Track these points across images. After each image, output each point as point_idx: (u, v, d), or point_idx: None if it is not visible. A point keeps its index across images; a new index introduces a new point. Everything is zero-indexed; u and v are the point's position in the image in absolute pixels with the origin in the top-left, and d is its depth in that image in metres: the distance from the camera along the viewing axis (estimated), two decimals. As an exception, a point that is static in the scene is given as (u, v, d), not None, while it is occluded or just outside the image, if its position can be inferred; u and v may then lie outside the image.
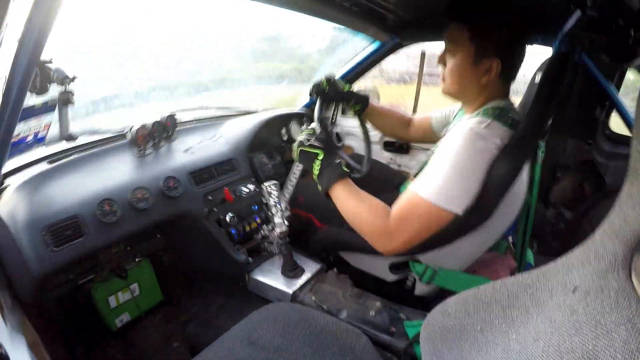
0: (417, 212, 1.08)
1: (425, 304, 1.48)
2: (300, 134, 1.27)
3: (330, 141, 1.27)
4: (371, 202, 1.17)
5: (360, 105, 1.66)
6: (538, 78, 1.20)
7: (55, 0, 0.74)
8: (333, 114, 1.63)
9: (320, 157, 1.21)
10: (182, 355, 1.62)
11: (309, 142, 1.23)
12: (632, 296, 0.43)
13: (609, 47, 1.44)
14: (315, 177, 1.23)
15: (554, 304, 0.52)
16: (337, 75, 2.37)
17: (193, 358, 0.97)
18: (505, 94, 1.23)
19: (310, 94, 1.53)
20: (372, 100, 1.77)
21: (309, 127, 1.28)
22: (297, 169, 1.63)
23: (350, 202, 1.17)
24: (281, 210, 1.55)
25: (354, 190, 1.19)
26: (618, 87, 1.86)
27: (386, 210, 1.14)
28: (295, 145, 1.27)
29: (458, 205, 1.06)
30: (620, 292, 0.44)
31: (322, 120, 1.35)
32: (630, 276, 0.44)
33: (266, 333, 1.01)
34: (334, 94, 1.55)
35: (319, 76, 1.57)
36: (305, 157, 1.24)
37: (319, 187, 1.22)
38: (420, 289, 1.43)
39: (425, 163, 1.31)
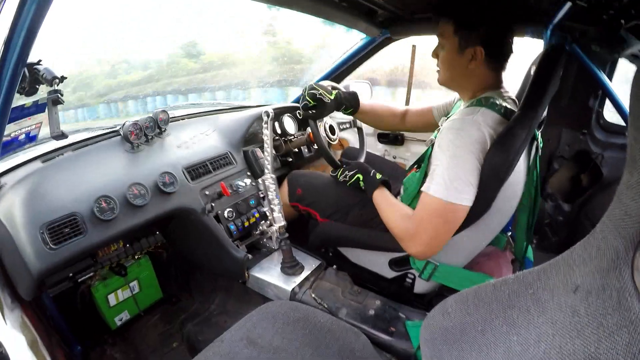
0: (431, 212, 1.16)
1: (425, 302, 1.49)
2: (337, 177, 1.50)
3: (358, 164, 1.47)
4: (398, 208, 1.31)
5: (351, 109, 1.63)
6: (533, 71, 1.23)
7: (43, 1, 0.73)
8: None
9: (361, 178, 1.43)
10: (181, 355, 1.62)
11: (349, 176, 1.45)
12: (635, 297, 0.42)
13: (600, 37, 1.44)
14: (366, 193, 1.42)
15: (555, 304, 0.52)
16: (328, 69, 2.36)
17: (193, 359, 0.97)
18: (496, 84, 1.29)
19: (306, 122, 1.58)
20: (365, 95, 1.76)
21: (337, 171, 1.50)
22: (267, 143, 1.58)
23: (384, 207, 1.34)
24: (280, 204, 1.54)
25: (387, 197, 1.36)
26: (610, 77, 1.85)
27: (409, 214, 1.24)
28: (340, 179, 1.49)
29: (466, 197, 1.12)
30: (622, 293, 0.43)
31: (341, 161, 1.51)
32: (633, 275, 0.44)
33: (265, 332, 1.02)
34: (324, 110, 1.50)
35: (304, 92, 1.49)
36: (354, 185, 1.46)
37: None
38: (420, 286, 1.44)
39: (425, 154, 1.37)
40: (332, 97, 1.51)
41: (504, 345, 0.56)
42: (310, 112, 1.48)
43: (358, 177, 1.42)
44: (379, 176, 1.41)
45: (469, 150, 1.11)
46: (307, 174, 1.79)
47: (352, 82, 2.19)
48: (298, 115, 2.20)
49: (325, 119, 1.57)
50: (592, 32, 1.44)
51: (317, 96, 1.47)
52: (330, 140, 1.58)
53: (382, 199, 1.36)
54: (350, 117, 1.79)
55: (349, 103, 1.60)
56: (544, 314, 0.53)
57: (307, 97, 1.47)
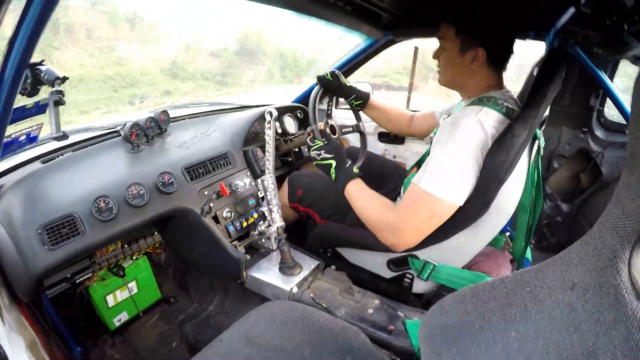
0: (420, 205, 1.14)
1: (424, 302, 1.49)
2: (312, 151, 1.40)
3: (338, 149, 1.38)
4: (378, 199, 1.29)
5: (361, 101, 1.70)
6: (536, 72, 1.23)
7: (46, 2, 0.73)
8: (329, 107, 1.63)
9: (334, 165, 1.35)
10: (180, 355, 1.62)
11: (321, 157, 1.37)
12: (632, 293, 0.42)
13: (603, 41, 1.45)
14: (334, 182, 1.36)
15: (552, 301, 0.52)
16: (331, 68, 2.37)
17: (192, 358, 0.97)
18: (498, 84, 1.29)
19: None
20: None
21: (316, 142, 1.39)
22: (269, 144, 1.57)
23: (361, 199, 1.31)
24: (279, 205, 1.54)
25: (364, 188, 1.32)
26: (611, 77, 1.86)
27: (392, 206, 1.24)
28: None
29: (459, 196, 1.12)
30: (619, 289, 0.44)
31: (325, 133, 1.43)
32: (630, 272, 0.44)
33: (264, 332, 1.01)
34: (337, 87, 1.62)
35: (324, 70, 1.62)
36: (322, 169, 1.39)
37: (340, 190, 1.36)
38: (418, 286, 1.44)
39: (425, 153, 1.38)
40: (348, 84, 1.64)
41: (502, 342, 0.56)
42: (323, 80, 1.59)
43: (330, 164, 1.35)
44: (356, 170, 1.37)
45: (468, 149, 1.11)
46: (307, 174, 1.79)
47: (353, 83, 2.20)
48: (298, 115, 2.21)
49: (327, 120, 1.58)
50: (594, 36, 1.45)
51: (336, 73, 1.62)
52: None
53: (359, 189, 1.32)
54: (353, 122, 1.79)
55: (360, 95, 1.70)
56: (541, 311, 0.53)
57: (327, 72, 1.62)
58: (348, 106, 1.77)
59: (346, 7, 1.64)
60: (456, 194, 1.12)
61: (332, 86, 1.61)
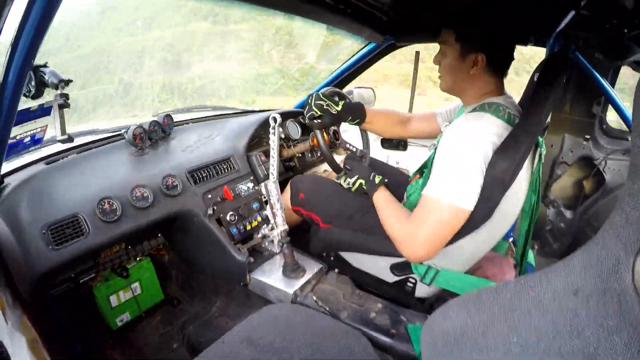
0: (432, 214, 1.15)
1: (426, 306, 1.48)
2: (343, 184, 1.47)
3: (360, 168, 1.46)
4: (396, 209, 1.33)
5: (358, 119, 1.62)
6: (537, 77, 1.24)
7: (49, 4, 0.74)
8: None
9: (364, 182, 1.42)
10: (181, 357, 1.62)
11: (352, 182, 1.44)
12: (635, 300, 0.43)
13: (603, 45, 1.45)
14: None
15: (556, 307, 0.52)
16: (331, 75, 2.38)
17: (193, 359, 0.97)
18: (500, 90, 1.29)
19: (310, 128, 1.51)
20: (369, 101, 1.76)
21: (342, 175, 1.47)
22: (273, 149, 1.57)
23: (383, 209, 1.35)
24: (282, 208, 1.55)
25: (387, 198, 1.37)
26: (613, 84, 1.86)
27: (407, 216, 1.24)
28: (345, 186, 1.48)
29: (468, 201, 1.12)
30: (622, 296, 0.44)
31: (351, 160, 1.51)
32: (633, 279, 0.44)
33: (266, 334, 1.01)
34: (330, 121, 1.49)
35: (311, 101, 1.46)
36: (359, 190, 1.44)
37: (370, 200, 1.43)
38: (422, 290, 1.43)
39: (428, 160, 1.38)
40: (339, 109, 1.50)
41: (503, 347, 0.56)
42: (315, 121, 1.47)
43: (361, 183, 1.42)
44: (378, 179, 1.40)
45: (472, 156, 1.11)
46: (310, 178, 1.79)
47: (355, 89, 2.20)
48: (302, 120, 2.22)
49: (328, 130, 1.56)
50: (595, 40, 1.46)
51: (324, 107, 1.46)
52: (335, 145, 1.58)
53: (382, 200, 1.36)
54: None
55: (355, 114, 1.60)
56: (544, 316, 0.53)
57: (313, 108, 1.44)
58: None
59: (346, 10, 1.65)
60: (465, 199, 1.11)
61: (327, 123, 1.48)
